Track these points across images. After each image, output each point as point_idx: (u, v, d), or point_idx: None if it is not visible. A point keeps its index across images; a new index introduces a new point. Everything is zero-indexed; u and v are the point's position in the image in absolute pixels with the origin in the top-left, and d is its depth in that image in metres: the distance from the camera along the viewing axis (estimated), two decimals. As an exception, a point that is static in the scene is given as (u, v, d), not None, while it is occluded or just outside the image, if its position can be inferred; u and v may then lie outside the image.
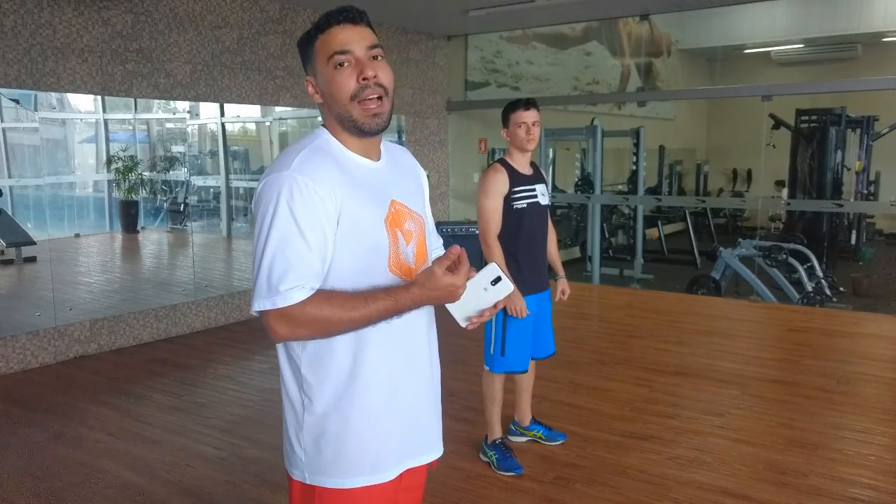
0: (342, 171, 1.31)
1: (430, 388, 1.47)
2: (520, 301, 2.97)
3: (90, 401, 4.12)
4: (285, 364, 1.38)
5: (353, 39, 1.31)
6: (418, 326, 1.42)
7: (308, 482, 1.36)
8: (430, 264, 1.31)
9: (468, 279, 1.30)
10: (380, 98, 1.32)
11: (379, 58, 1.34)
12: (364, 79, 1.30)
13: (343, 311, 1.25)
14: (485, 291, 1.30)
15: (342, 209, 1.28)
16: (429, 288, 1.26)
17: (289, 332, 1.26)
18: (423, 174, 1.57)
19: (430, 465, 1.50)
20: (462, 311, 1.33)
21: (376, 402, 1.35)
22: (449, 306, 1.35)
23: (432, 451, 1.49)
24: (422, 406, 1.45)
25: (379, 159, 1.41)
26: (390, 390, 1.37)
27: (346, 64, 1.30)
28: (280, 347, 1.37)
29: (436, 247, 1.59)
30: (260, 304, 1.25)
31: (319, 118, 1.41)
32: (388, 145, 1.47)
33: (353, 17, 1.32)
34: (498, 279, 1.29)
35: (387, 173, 1.41)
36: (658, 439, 3.45)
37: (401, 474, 1.41)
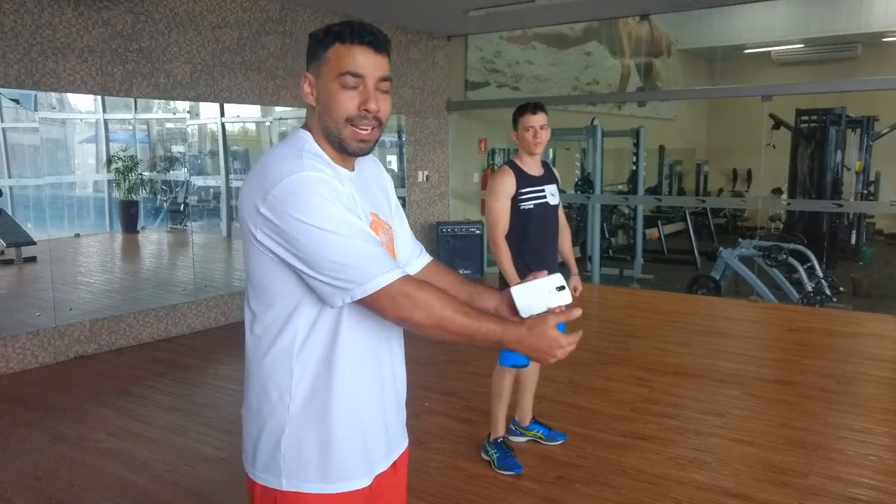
0: (339, 178, 1.29)
1: (398, 388, 1.46)
2: None
3: (90, 401, 4.12)
4: (264, 365, 1.32)
5: (370, 66, 1.28)
6: (391, 325, 1.40)
7: (284, 488, 1.32)
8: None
9: (536, 278, 1.35)
10: (373, 128, 1.31)
11: (387, 91, 1.32)
12: (366, 110, 1.28)
13: (459, 313, 1.23)
14: (549, 294, 1.34)
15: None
16: (535, 334, 1.24)
17: (408, 307, 1.22)
18: (388, 181, 1.55)
19: (396, 462, 1.48)
20: (523, 303, 1.35)
21: (355, 406, 1.34)
22: (515, 294, 1.35)
23: (398, 448, 1.48)
24: (390, 409, 1.43)
25: (353, 170, 1.39)
26: (365, 394, 1.36)
27: (353, 87, 1.28)
28: (257, 347, 1.33)
29: (414, 254, 1.56)
30: (374, 283, 1.20)
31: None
32: None
33: (379, 44, 1.29)
34: (562, 287, 1.34)
35: (360, 184, 1.39)
36: (658, 439, 3.45)
37: (374, 479, 1.39)
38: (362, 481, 1.36)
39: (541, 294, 1.34)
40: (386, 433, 1.42)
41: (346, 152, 1.33)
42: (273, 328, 1.31)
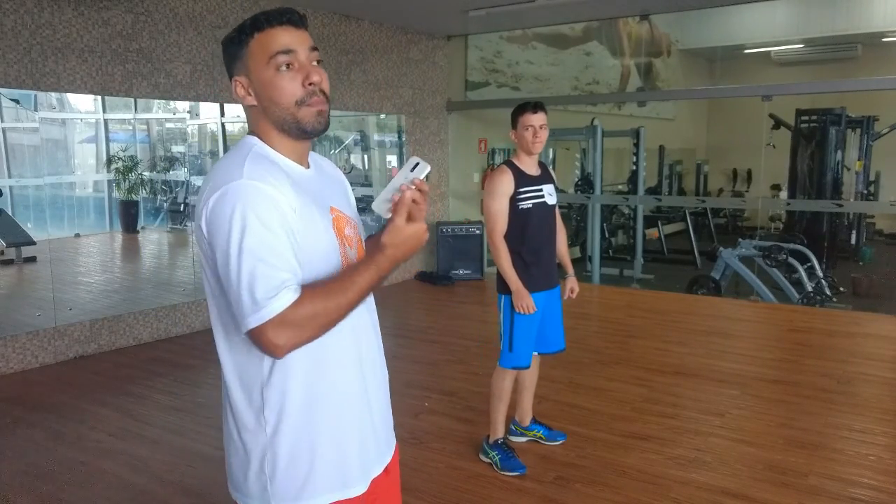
0: (289, 178, 1.25)
1: (381, 390, 1.45)
2: (526, 298, 3.02)
3: (90, 401, 4.12)
4: (236, 386, 1.30)
5: (296, 41, 1.25)
6: (367, 329, 1.40)
7: None
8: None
9: (392, 177, 1.27)
10: (323, 102, 1.29)
11: (320, 62, 1.28)
12: (310, 84, 1.25)
13: (336, 296, 1.19)
14: (405, 180, 1.26)
15: (298, 215, 1.23)
16: (399, 242, 1.22)
17: (292, 338, 1.16)
18: (347, 183, 1.53)
19: (388, 466, 1.46)
20: (377, 207, 1.27)
21: (339, 414, 1.31)
22: (374, 206, 1.29)
23: (389, 450, 1.47)
24: (377, 411, 1.41)
25: (308, 167, 1.37)
26: (350, 400, 1.34)
27: (289, 67, 1.25)
28: (228, 367, 1.30)
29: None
30: (253, 321, 1.15)
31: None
32: (310, 155, 1.42)
33: (297, 20, 1.27)
34: (416, 165, 1.25)
35: (319, 181, 1.37)
36: (658, 439, 3.45)
37: (370, 484, 1.38)
38: (359, 488, 1.34)
39: (390, 188, 1.26)
40: (376, 435, 1.40)
41: (306, 133, 1.29)
42: (247, 347, 1.26)
